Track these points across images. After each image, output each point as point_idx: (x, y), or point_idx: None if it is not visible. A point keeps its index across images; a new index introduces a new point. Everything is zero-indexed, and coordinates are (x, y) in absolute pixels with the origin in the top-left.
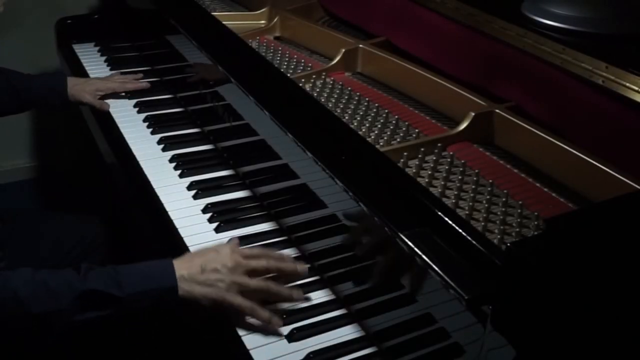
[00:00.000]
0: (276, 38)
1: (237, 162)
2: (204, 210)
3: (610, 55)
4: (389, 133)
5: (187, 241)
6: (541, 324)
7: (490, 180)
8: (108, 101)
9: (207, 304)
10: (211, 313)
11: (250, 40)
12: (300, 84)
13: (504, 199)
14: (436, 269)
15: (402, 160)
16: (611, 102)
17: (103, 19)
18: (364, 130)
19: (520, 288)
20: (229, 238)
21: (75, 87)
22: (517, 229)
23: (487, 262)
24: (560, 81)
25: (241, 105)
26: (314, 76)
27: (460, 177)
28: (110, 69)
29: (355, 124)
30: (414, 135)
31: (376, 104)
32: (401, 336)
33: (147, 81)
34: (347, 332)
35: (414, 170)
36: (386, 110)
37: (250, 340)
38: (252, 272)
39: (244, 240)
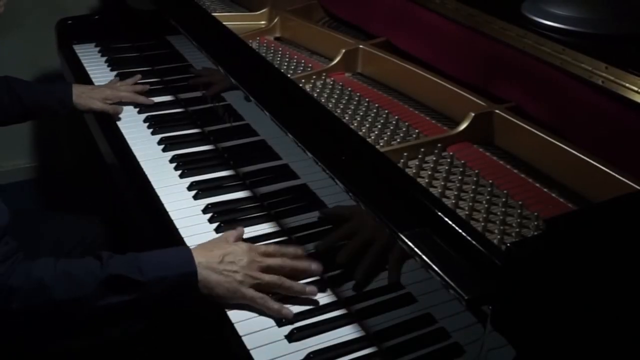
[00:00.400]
0: (276, 39)
1: (237, 163)
2: (205, 211)
3: (609, 55)
4: (389, 133)
5: (188, 241)
6: (541, 324)
7: (490, 181)
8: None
9: (220, 292)
10: (223, 302)
11: (250, 41)
12: (301, 85)
13: (503, 199)
14: (436, 269)
15: (402, 160)
16: (611, 103)
17: (104, 19)
18: (364, 130)
19: (520, 288)
20: None
21: (82, 95)
22: (517, 229)
23: (487, 262)
24: (560, 82)
25: (241, 105)
26: (314, 77)
27: (460, 178)
28: (111, 70)
29: (356, 124)
30: (414, 136)
31: (376, 105)
32: (401, 336)
33: (148, 82)
34: (348, 332)
35: (414, 171)
36: (386, 111)
37: (250, 340)
38: (267, 269)
39: (244, 240)
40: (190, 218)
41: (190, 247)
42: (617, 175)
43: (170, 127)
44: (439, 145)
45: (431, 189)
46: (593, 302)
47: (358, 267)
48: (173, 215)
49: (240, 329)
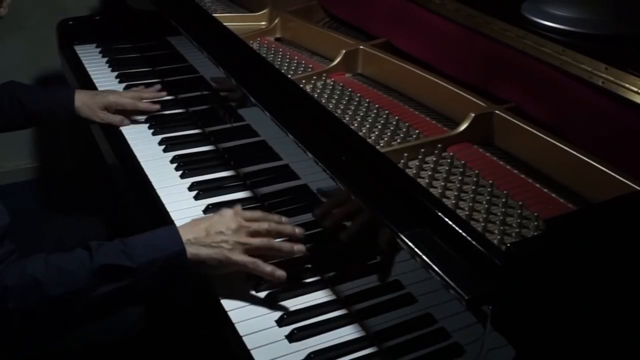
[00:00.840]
0: (277, 39)
1: (238, 163)
2: (205, 211)
3: (609, 56)
4: (389, 134)
5: None
6: (541, 324)
7: (490, 181)
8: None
9: (212, 264)
10: (216, 273)
11: (251, 42)
12: (301, 85)
13: (503, 200)
14: (436, 269)
15: (402, 161)
16: (610, 103)
17: (104, 20)
18: (364, 131)
19: (520, 288)
20: None
21: (84, 105)
22: (517, 230)
23: (487, 263)
24: (560, 82)
25: (242, 106)
26: (314, 77)
27: (460, 178)
28: (112, 70)
29: (356, 124)
30: (414, 136)
31: (376, 105)
32: (402, 336)
33: (149, 82)
34: (348, 332)
35: (414, 171)
36: (386, 111)
37: (251, 340)
38: (254, 233)
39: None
40: (191, 218)
41: (177, 225)
42: (616, 176)
43: (171, 127)
44: (439, 145)
45: (431, 189)
46: (593, 302)
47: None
48: (174, 215)
49: (241, 329)
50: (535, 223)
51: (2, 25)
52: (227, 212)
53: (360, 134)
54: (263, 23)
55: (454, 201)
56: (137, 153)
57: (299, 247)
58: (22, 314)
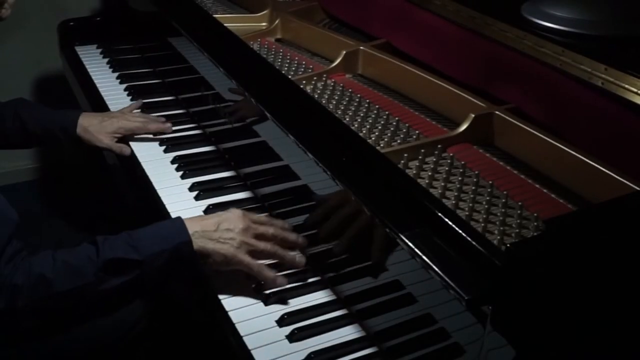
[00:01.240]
0: (277, 40)
1: (238, 164)
2: (206, 212)
3: (609, 57)
4: (389, 134)
5: None
6: (541, 324)
7: (490, 182)
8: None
9: (218, 259)
10: (219, 269)
11: (251, 43)
12: (301, 86)
13: (503, 200)
14: (436, 269)
15: (402, 161)
16: (610, 104)
17: (105, 21)
18: (364, 131)
19: (519, 288)
20: None
21: (89, 129)
22: (517, 230)
23: (487, 263)
24: (560, 83)
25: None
26: (315, 78)
27: (460, 178)
28: (113, 71)
29: (356, 125)
30: (415, 137)
31: (377, 106)
32: (402, 336)
33: (150, 82)
34: (348, 332)
35: (415, 172)
36: (387, 112)
37: (251, 340)
38: (259, 237)
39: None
40: None
41: (184, 219)
42: (616, 176)
43: None
44: (439, 146)
45: (431, 190)
46: (593, 302)
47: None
48: (174, 216)
49: (241, 329)
50: (535, 223)
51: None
52: (237, 212)
53: (361, 134)
54: (263, 24)
55: (453, 201)
56: (137, 153)
57: (300, 259)
58: (31, 311)
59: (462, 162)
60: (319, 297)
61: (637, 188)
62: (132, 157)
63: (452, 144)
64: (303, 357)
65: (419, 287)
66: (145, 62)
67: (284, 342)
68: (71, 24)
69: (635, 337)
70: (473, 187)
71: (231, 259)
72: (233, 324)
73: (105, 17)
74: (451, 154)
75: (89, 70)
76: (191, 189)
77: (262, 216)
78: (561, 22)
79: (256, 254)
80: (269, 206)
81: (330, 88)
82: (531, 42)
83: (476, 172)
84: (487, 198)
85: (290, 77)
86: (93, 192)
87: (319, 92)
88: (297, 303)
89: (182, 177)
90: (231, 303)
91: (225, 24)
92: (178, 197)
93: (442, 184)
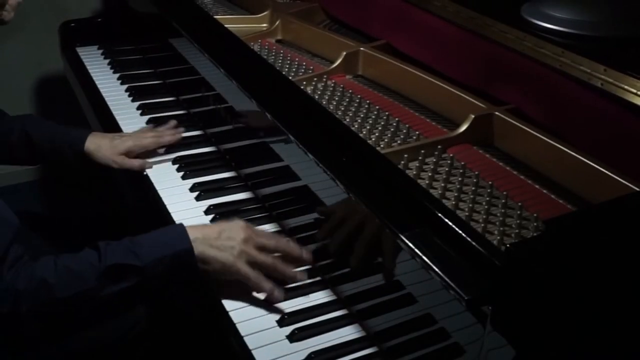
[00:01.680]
0: (278, 41)
1: (239, 164)
2: (207, 212)
3: (608, 58)
4: (389, 135)
5: None
6: (540, 324)
7: (490, 182)
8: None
9: (217, 267)
10: (218, 277)
11: (252, 43)
12: (302, 87)
13: (503, 201)
14: (436, 269)
15: (402, 162)
16: (610, 105)
17: (106, 22)
18: (364, 132)
19: (519, 288)
20: None
21: (100, 148)
22: (517, 230)
23: (487, 263)
24: (559, 84)
25: (243, 107)
26: (315, 79)
27: (460, 179)
28: (114, 72)
29: (356, 126)
30: (415, 138)
31: (377, 107)
32: (402, 336)
33: (151, 83)
34: (349, 333)
35: (415, 172)
36: (387, 113)
37: (252, 340)
38: (261, 249)
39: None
40: (192, 219)
41: (186, 226)
42: (615, 177)
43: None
44: (439, 146)
45: (431, 190)
46: (592, 303)
47: (359, 268)
48: (175, 216)
49: (242, 329)
50: (535, 224)
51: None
52: (240, 222)
53: (361, 135)
54: (264, 25)
55: (453, 202)
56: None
57: (301, 276)
58: (34, 316)
59: (462, 163)
60: (320, 297)
61: (637, 188)
62: None
63: (452, 144)
64: (303, 357)
65: (419, 287)
66: (146, 63)
67: (284, 342)
68: (72, 25)
69: (635, 337)
70: (473, 188)
71: (230, 267)
72: (234, 324)
73: (106, 18)
74: (451, 155)
75: (90, 71)
76: (192, 189)
77: (265, 231)
78: (561, 23)
79: (256, 266)
80: (269, 206)
81: (331, 89)
82: (531, 43)
83: (476, 172)
84: (487, 198)
85: (290, 78)
86: (94, 192)
87: (319, 92)
88: (298, 303)
89: (183, 177)
90: (232, 303)
91: (226, 25)
92: (179, 198)
93: (442, 184)
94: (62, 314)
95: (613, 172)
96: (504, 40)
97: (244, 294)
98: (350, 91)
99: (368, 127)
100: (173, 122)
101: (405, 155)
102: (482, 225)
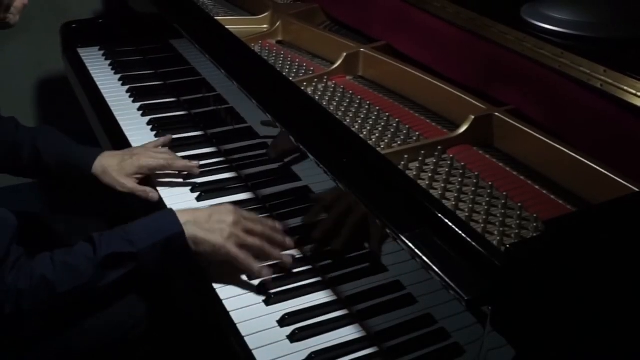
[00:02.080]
0: (278, 42)
1: (239, 165)
2: None
3: (608, 59)
4: (389, 136)
5: None
6: (540, 324)
7: (490, 183)
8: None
9: (207, 248)
10: (208, 259)
11: (252, 45)
12: (302, 88)
13: (503, 201)
14: (436, 270)
15: (402, 162)
16: (609, 105)
17: (107, 23)
18: (365, 133)
19: (519, 289)
20: None
21: (109, 169)
22: (517, 231)
23: (487, 263)
24: (559, 85)
25: (244, 108)
26: (315, 80)
27: (460, 179)
28: (115, 73)
29: (357, 127)
30: (415, 138)
31: (377, 107)
32: (402, 336)
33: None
34: (349, 333)
35: (415, 173)
36: (387, 114)
37: (252, 340)
38: (249, 232)
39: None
40: None
41: (176, 210)
42: (615, 177)
43: (173, 129)
44: (439, 147)
45: (431, 191)
46: (592, 303)
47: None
48: None
49: (243, 329)
50: (535, 224)
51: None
52: (229, 206)
53: (361, 136)
54: (265, 26)
55: (453, 202)
56: None
57: (287, 259)
58: (36, 313)
59: (462, 163)
60: (320, 297)
61: (636, 189)
62: None
63: (452, 145)
64: (304, 357)
65: (419, 287)
66: (147, 64)
67: (285, 342)
68: (73, 26)
69: (635, 337)
70: (473, 188)
71: (220, 249)
72: (234, 324)
73: (108, 20)
74: (451, 155)
75: (91, 72)
76: (193, 190)
77: (253, 214)
78: (560, 24)
79: (244, 248)
80: (270, 207)
81: (331, 90)
82: (530, 44)
83: (476, 173)
84: (487, 199)
85: (291, 78)
86: (94, 192)
87: (319, 93)
88: (298, 303)
89: (185, 178)
90: (232, 303)
91: (227, 26)
92: (180, 199)
93: (442, 185)
94: (63, 308)
95: (613, 173)
96: (503, 41)
97: (245, 294)
98: (350, 92)
99: (368, 128)
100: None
101: (406, 156)
102: (482, 225)
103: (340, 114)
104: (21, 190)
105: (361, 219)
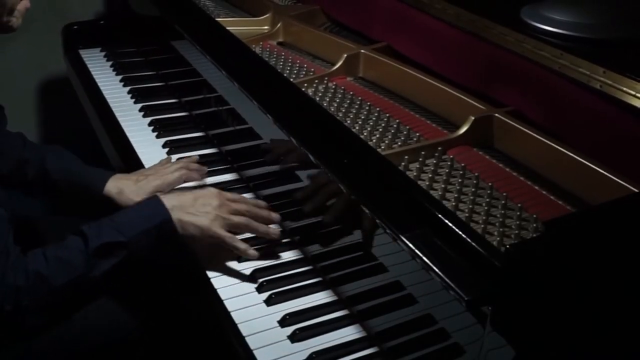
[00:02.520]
0: (279, 43)
1: (241, 166)
2: None
3: (607, 60)
4: (390, 137)
5: None
6: (540, 324)
7: (490, 183)
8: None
9: (193, 231)
10: (195, 243)
11: (253, 46)
12: (303, 89)
13: (503, 202)
14: (437, 270)
15: (403, 163)
16: (609, 106)
17: (109, 24)
18: (365, 134)
19: (519, 289)
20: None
21: (124, 191)
22: (517, 231)
23: (487, 264)
24: (559, 86)
25: (245, 109)
26: (316, 81)
27: (460, 180)
28: (116, 74)
29: (357, 128)
30: (415, 139)
31: (377, 108)
32: (402, 336)
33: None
34: (349, 333)
35: (415, 174)
36: (387, 115)
37: (253, 340)
38: (234, 212)
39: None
40: None
41: (161, 196)
42: (615, 178)
43: (174, 130)
44: (440, 148)
45: (432, 192)
46: (592, 303)
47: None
48: None
49: (244, 329)
50: (535, 225)
51: None
52: (212, 189)
53: (362, 137)
54: (265, 27)
55: (454, 203)
56: (141, 156)
57: (274, 231)
58: (34, 309)
59: (462, 164)
60: (321, 297)
61: (636, 190)
62: (137, 160)
63: (452, 146)
64: (305, 357)
65: (420, 287)
66: (148, 65)
67: (285, 343)
68: (75, 27)
69: (635, 337)
70: (473, 189)
71: (206, 231)
72: (235, 324)
73: (109, 21)
74: (451, 156)
75: (92, 73)
76: None
77: (236, 194)
78: (560, 26)
79: (231, 227)
80: (270, 207)
81: (332, 91)
82: (530, 45)
83: (476, 174)
84: (487, 200)
85: (292, 80)
86: (102, 214)
87: (320, 94)
88: (299, 303)
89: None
90: (233, 303)
91: (228, 28)
92: None
93: (442, 185)
94: (59, 301)
95: (612, 174)
96: (503, 42)
97: (245, 294)
98: (351, 93)
99: (369, 129)
100: (195, 157)
101: (406, 157)
102: (482, 226)
103: (340, 115)
104: (21, 192)
105: (362, 220)
